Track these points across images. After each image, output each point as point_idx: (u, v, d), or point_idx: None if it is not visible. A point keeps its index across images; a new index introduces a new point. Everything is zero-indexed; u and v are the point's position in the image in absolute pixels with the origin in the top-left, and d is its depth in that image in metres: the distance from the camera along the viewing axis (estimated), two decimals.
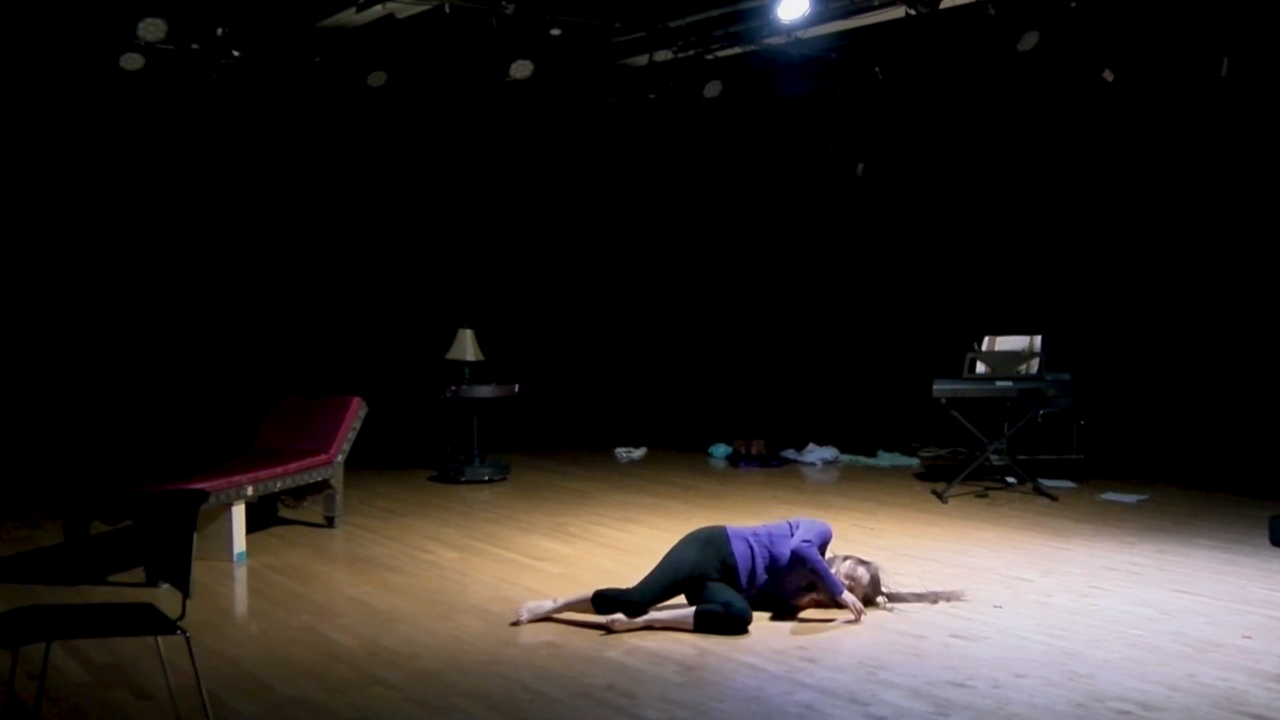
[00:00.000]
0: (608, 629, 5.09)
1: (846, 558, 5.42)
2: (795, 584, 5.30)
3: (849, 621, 5.17)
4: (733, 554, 5.28)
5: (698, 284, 12.35)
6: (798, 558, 5.22)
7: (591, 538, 7.19)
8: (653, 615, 5.16)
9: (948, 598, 5.52)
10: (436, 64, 10.18)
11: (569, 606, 5.28)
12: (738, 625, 5.06)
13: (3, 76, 9.05)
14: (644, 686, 4.44)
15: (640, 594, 5.18)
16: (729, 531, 5.39)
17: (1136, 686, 4.35)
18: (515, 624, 5.23)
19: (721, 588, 5.20)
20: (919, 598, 5.49)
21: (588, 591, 5.31)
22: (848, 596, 5.20)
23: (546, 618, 5.28)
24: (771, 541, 5.34)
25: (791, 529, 5.41)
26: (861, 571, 5.36)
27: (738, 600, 5.14)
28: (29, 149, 9.42)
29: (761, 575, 5.30)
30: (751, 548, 5.32)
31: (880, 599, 5.41)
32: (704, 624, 5.07)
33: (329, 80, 9.95)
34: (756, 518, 6.70)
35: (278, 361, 10.25)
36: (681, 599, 5.27)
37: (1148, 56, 9.02)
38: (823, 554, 5.31)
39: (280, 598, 5.84)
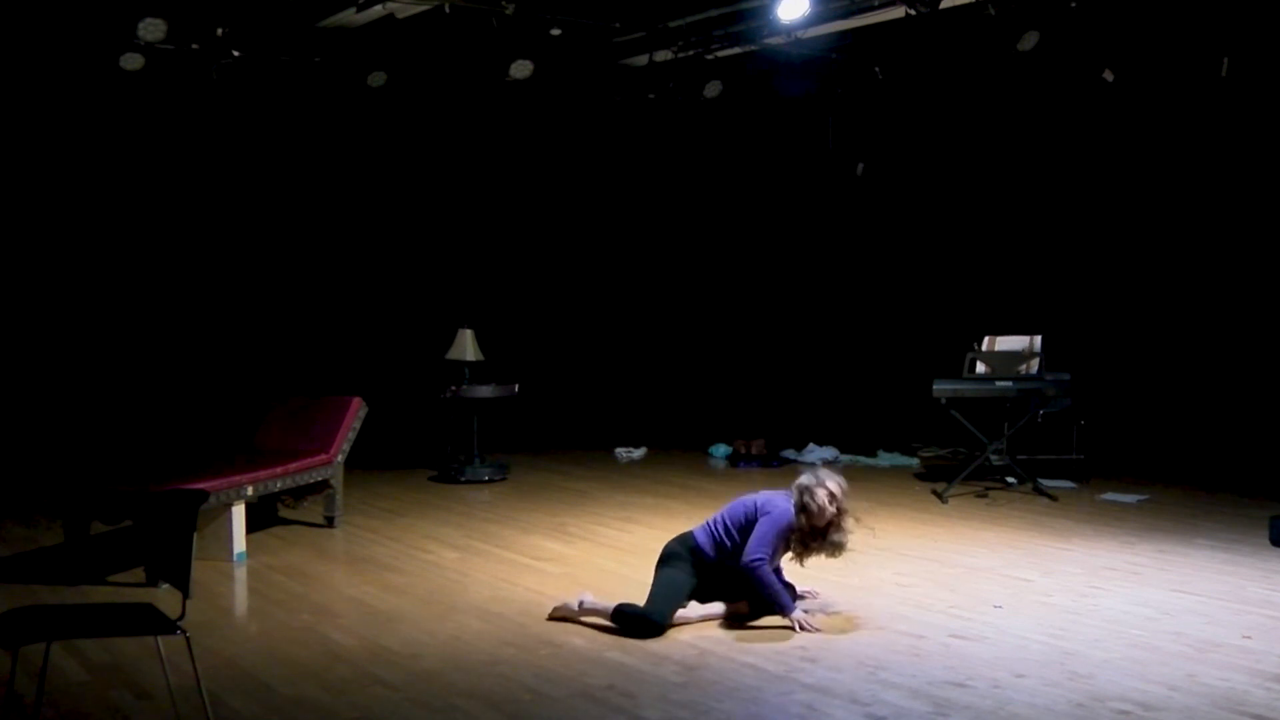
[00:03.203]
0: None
1: (821, 485, 5.15)
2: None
3: (789, 627, 5.09)
4: (698, 546, 5.31)
5: (698, 284, 12.35)
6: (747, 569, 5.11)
7: (591, 538, 7.19)
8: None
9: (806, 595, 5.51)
10: (436, 64, 10.18)
11: (593, 612, 5.26)
12: (648, 629, 5.04)
13: (3, 76, 9.06)
14: (644, 686, 4.44)
15: (660, 616, 5.12)
16: (694, 533, 5.41)
17: (1136, 686, 4.35)
18: (551, 619, 5.29)
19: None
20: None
21: (609, 602, 5.26)
22: (799, 615, 5.10)
23: (570, 619, 5.28)
24: (727, 532, 5.30)
25: (750, 512, 5.27)
26: (829, 505, 5.15)
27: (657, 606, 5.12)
28: (29, 149, 9.42)
29: (723, 553, 5.28)
30: (712, 536, 5.33)
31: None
32: (620, 619, 5.10)
33: (329, 80, 9.96)
34: None
35: (278, 361, 10.25)
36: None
37: (1148, 56, 9.03)
38: (785, 541, 5.21)
39: (280, 598, 5.84)
